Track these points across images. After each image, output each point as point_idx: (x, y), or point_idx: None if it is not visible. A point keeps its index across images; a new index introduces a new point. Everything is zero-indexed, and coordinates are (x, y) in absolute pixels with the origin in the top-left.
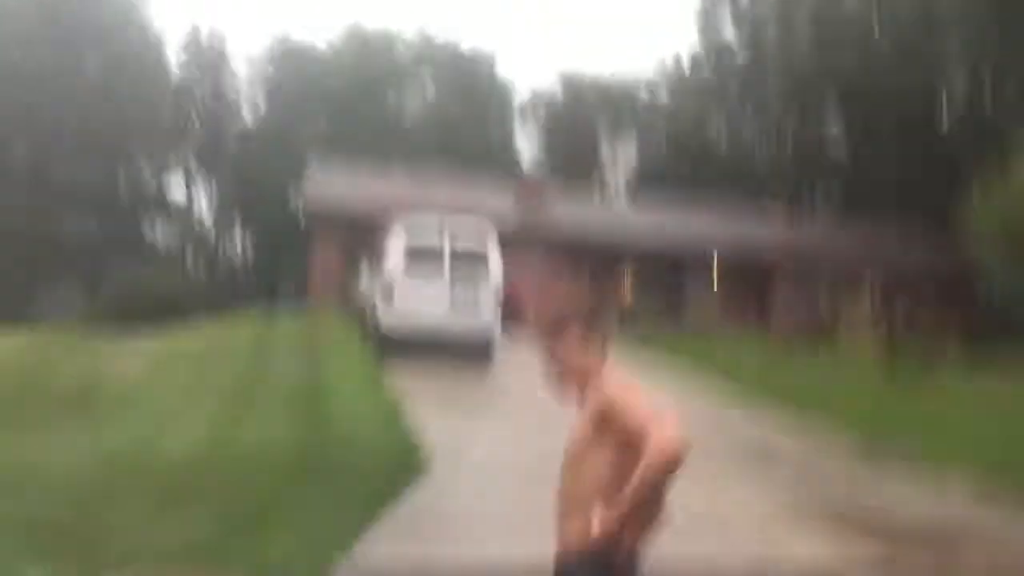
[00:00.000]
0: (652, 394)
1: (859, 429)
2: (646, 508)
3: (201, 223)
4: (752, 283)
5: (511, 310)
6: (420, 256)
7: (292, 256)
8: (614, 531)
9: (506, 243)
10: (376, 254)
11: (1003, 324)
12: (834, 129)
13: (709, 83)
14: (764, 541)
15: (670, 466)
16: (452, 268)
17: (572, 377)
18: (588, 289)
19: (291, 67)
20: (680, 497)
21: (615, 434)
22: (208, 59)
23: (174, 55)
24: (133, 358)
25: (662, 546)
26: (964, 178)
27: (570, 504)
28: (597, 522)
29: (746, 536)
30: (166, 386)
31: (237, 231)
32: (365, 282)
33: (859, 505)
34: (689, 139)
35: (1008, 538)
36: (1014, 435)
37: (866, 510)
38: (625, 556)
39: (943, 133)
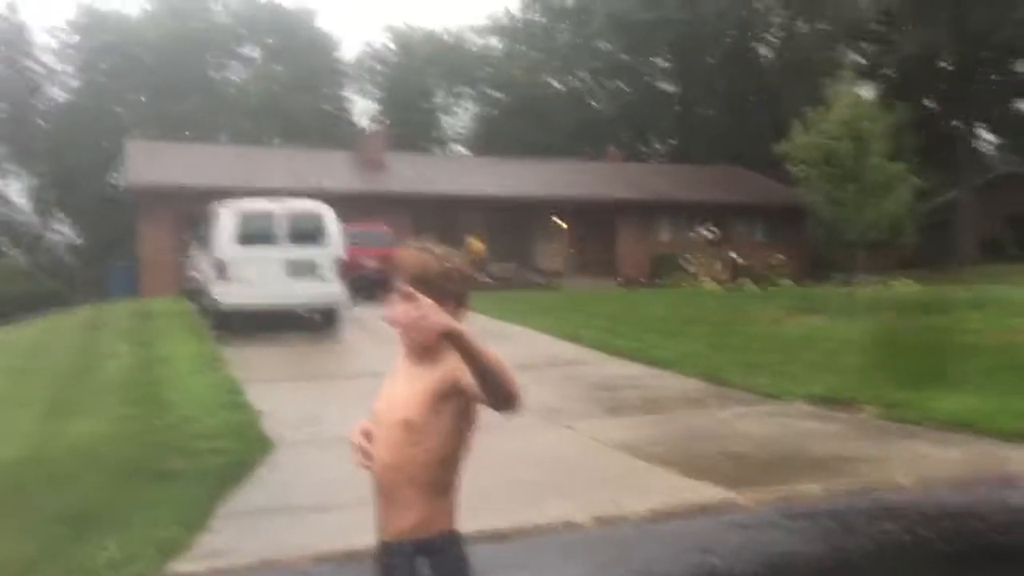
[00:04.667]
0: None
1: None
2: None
3: (18, 211)
4: (597, 228)
5: (384, 276)
6: (254, 228)
7: (120, 239)
8: (456, 335)
9: (347, 203)
10: (208, 231)
11: (827, 257)
12: (664, 76)
13: (540, 27)
14: None
15: (511, 398)
16: (288, 238)
17: (433, 340)
18: (458, 251)
19: (101, 37)
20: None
21: (460, 399)
22: (5, 32)
23: None
24: None
25: None
26: (787, 115)
27: (403, 480)
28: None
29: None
30: None
31: (59, 218)
32: (198, 260)
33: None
34: (525, 88)
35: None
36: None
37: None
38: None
39: (765, 70)
